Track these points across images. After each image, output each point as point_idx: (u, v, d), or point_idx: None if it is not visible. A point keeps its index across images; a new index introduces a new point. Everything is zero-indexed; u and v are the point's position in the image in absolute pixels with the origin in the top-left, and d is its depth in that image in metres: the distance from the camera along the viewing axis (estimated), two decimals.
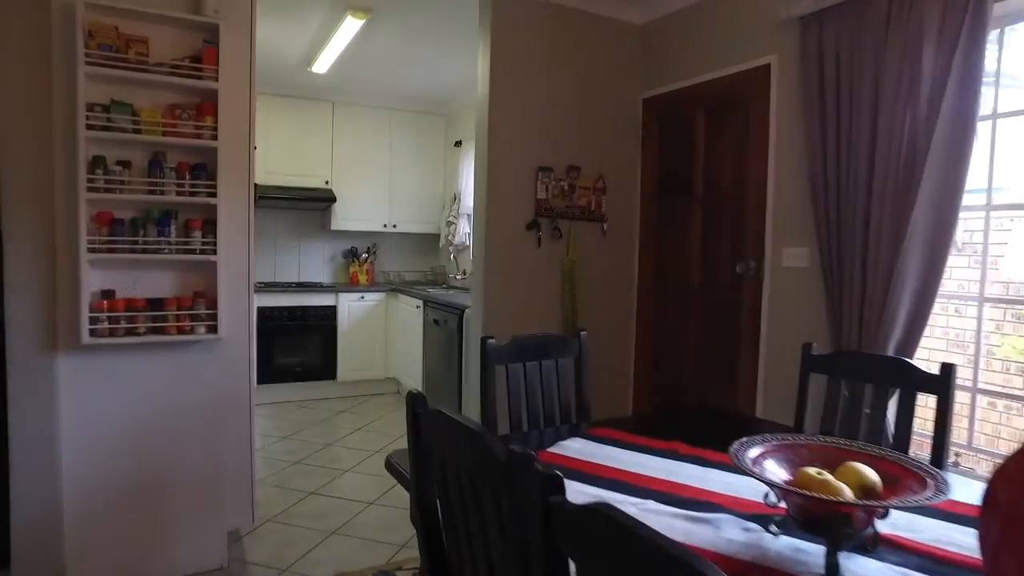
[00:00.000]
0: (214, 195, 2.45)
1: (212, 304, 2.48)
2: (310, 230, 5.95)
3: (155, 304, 2.40)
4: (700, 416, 2.37)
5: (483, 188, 3.26)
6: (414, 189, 6.01)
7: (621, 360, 3.70)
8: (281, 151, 5.44)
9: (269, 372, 5.23)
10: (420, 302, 5.05)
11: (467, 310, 4.09)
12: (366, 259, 6.04)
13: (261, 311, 5.15)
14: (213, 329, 2.48)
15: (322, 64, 4.78)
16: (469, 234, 5.71)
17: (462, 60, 4.71)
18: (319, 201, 5.49)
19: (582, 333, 2.25)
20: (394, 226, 5.93)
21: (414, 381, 5.23)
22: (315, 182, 5.57)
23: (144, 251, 2.36)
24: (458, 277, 5.73)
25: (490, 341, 1.99)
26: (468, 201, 5.59)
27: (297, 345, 5.33)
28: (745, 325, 3.04)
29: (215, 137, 2.42)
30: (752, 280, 3.00)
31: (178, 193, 2.40)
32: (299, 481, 3.61)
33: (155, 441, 2.49)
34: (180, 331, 2.43)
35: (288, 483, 3.59)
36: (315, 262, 5.99)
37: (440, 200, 6.14)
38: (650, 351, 3.62)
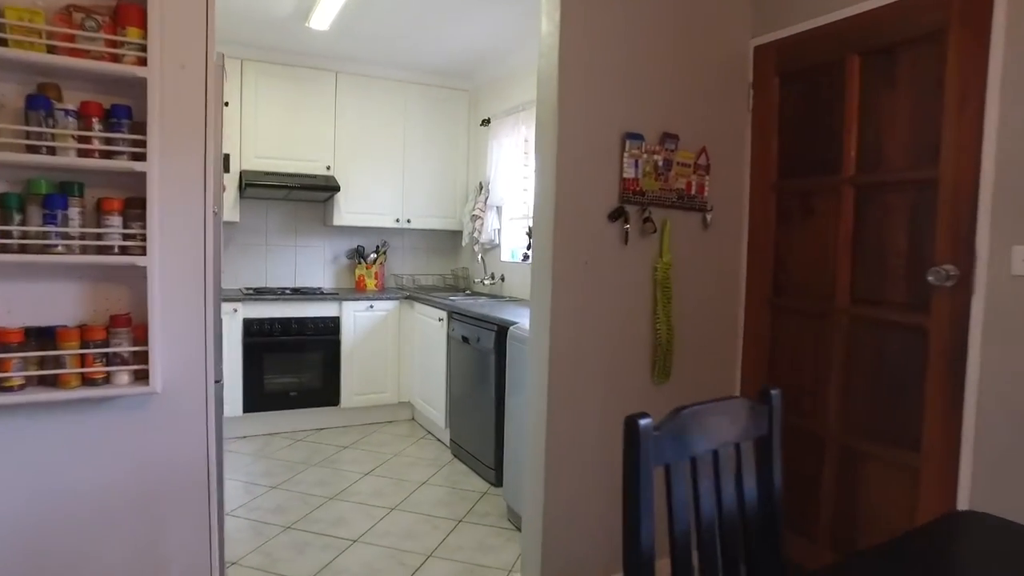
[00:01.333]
0: (143, 157, 1.50)
1: (141, 336, 1.53)
2: (308, 226, 5.00)
3: (41, 338, 1.45)
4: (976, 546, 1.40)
5: (549, 167, 2.31)
6: (432, 177, 5.06)
7: (724, 393, 2.74)
8: (273, 130, 4.49)
9: (257, 398, 4.28)
10: (443, 314, 4.09)
11: (511, 328, 3.13)
12: (375, 260, 5.08)
13: (248, 324, 4.20)
14: (143, 377, 1.53)
15: (322, 17, 3.83)
16: (499, 230, 4.76)
17: (494, 19, 3.75)
18: (319, 190, 4.53)
19: (772, 393, 1.30)
20: (408, 221, 4.98)
21: (435, 408, 4.27)
22: (315, 168, 4.62)
23: (21, 249, 1.41)
24: (486, 281, 4.77)
25: (643, 423, 1.03)
26: (498, 191, 4.63)
27: (292, 365, 4.38)
28: (936, 360, 2.08)
29: (143, 61, 1.47)
30: (951, 294, 2.04)
31: (81, 153, 1.45)
32: (290, 562, 2.66)
33: (53, 542, 1.55)
34: (87, 382, 1.48)
35: (276, 565, 2.63)
36: (314, 264, 5.04)
37: (463, 190, 5.18)
38: (761, 385, 2.66)
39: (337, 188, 4.55)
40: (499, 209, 4.80)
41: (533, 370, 2.38)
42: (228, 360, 4.15)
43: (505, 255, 4.80)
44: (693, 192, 2.57)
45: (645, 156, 2.43)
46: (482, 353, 3.56)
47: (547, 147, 2.33)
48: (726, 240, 2.72)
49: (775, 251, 2.68)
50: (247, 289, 4.63)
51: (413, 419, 4.83)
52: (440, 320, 4.12)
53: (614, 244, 2.39)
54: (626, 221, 2.39)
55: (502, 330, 3.32)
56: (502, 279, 4.74)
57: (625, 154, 2.38)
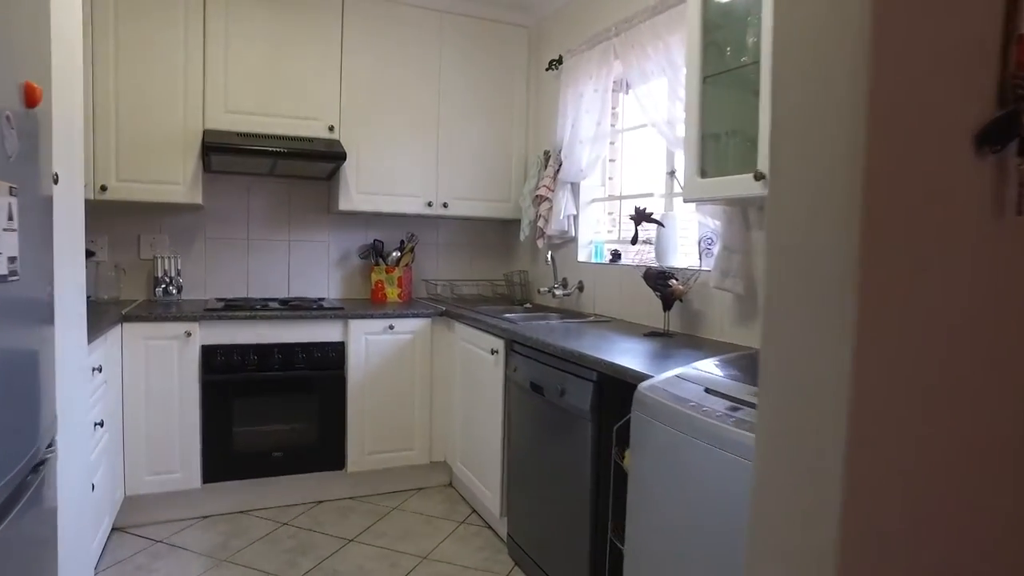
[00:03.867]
0: None
1: None
2: (306, 212, 3.62)
3: None
4: None
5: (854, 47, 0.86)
6: (478, 144, 3.64)
7: None
8: (252, 75, 3.12)
9: (224, 461, 2.91)
10: (497, 342, 2.67)
11: (643, 386, 1.66)
12: (398, 261, 3.68)
13: (208, 354, 2.83)
14: None
15: None
16: (574, 218, 3.31)
17: None
18: (319, 160, 3.15)
19: None
20: (444, 206, 3.56)
21: (485, 485, 2.85)
22: (312, 128, 3.24)
23: None
24: (556, 291, 3.32)
25: None
26: (575, 160, 3.18)
27: (275, 412, 3.00)
28: None
29: None
30: None
31: None
32: None
33: None
34: None
35: None
36: (315, 266, 3.67)
37: (520, 162, 3.75)
38: None
39: (342, 156, 3.15)
40: (574, 188, 3.35)
41: (652, 456, 0.92)
42: (177, 406, 2.79)
43: (583, 254, 3.35)
44: None
45: None
46: (568, 415, 2.11)
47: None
48: None
49: None
50: (217, 301, 3.27)
51: (451, 485, 3.41)
52: (494, 352, 2.69)
53: (986, 209, 0.91)
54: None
55: (607, 381, 1.87)
56: (579, 288, 3.28)
57: None
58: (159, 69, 2.96)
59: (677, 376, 1.61)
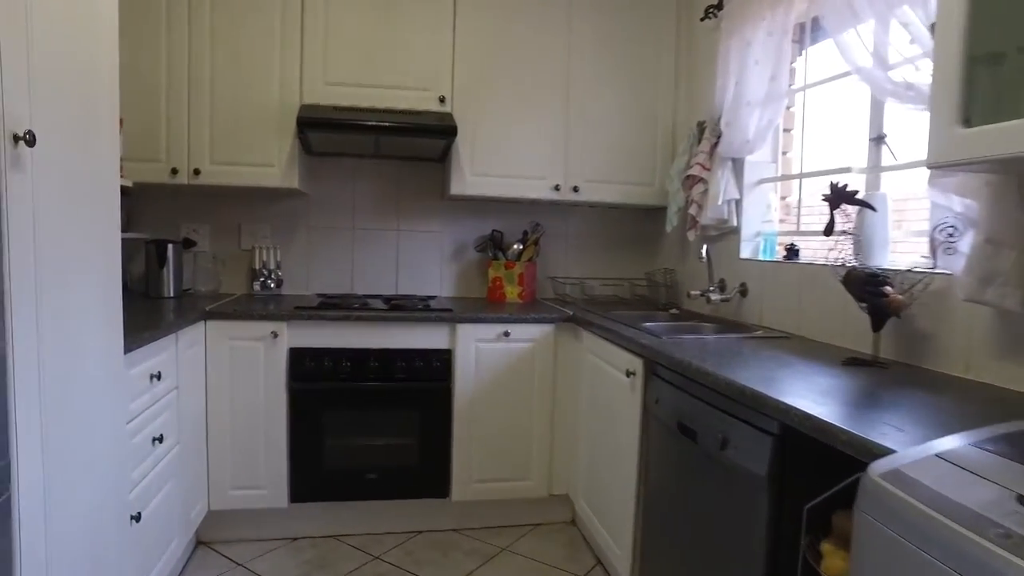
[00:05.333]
0: None
1: None
2: (417, 198, 3.21)
3: None
4: None
5: None
6: (615, 117, 3.02)
7: None
8: (355, 43, 2.73)
9: (313, 480, 2.55)
10: (635, 361, 2.06)
11: (877, 466, 0.99)
12: (520, 254, 3.17)
13: (297, 359, 2.49)
14: None
15: None
16: (736, 203, 2.61)
17: None
18: (425, 135, 2.69)
19: None
20: (575, 190, 2.99)
21: (613, 534, 2.26)
22: (421, 100, 2.80)
23: None
24: (712, 295, 2.63)
25: None
26: (740, 130, 2.47)
27: (371, 427, 2.60)
28: None
29: None
30: None
31: None
32: None
33: None
34: None
35: None
36: (427, 260, 3.24)
37: (667, 137, 3.08)
38: None
39: (452, 131, 2.68)
40: (737, 166, 2.64)
41: None
42: (262, 416, 2.47)
43: (747, 248, 2.64)
44: None
45: None
46: (733, 475, 1.47)
47: None
48: None
49: None
50: (317, 296, 2.94)
51: (573, 523, 2.84)
52: (630, 375, 2.08)
53: None
54: None
55: (795, 435, 1.21)
56: (741, 292, 2.57)
57: None
58: (255, 40, 2.65)
59: (940, 457, 0.93)
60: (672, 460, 1.81)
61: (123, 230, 2.80)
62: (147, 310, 2.35)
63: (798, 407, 1.23)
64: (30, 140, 1.15)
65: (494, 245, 3.18)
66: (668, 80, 3.06)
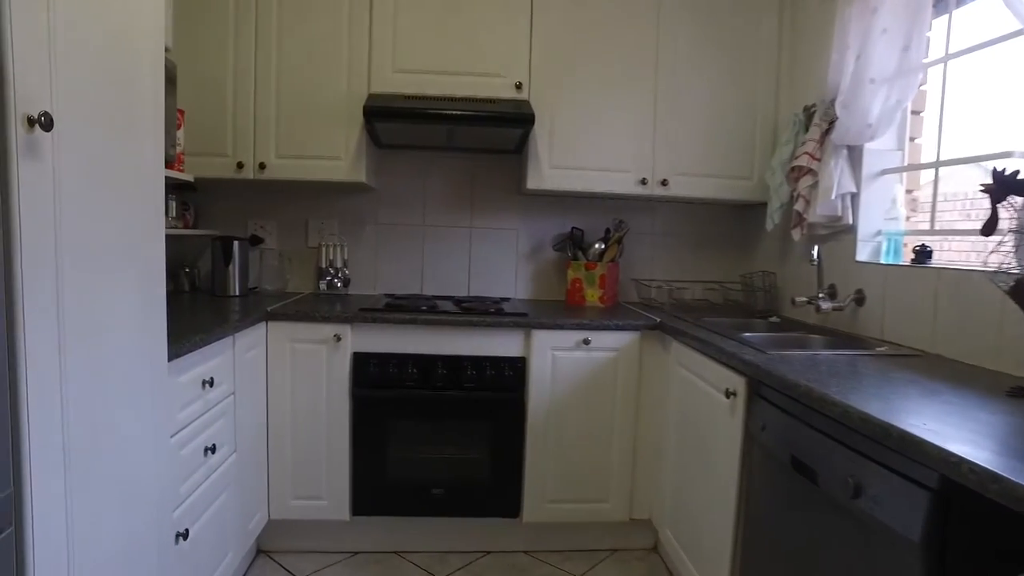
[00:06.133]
0: None
1: None
2: (491, 194, 3.01)
3: None
4: None
5: None
6: (709, 102, 2.72)
7: None
8: (426, 27, 2.56)
9: (375, 493, 2.40)
10: (735, 380, 1.77)
11: None
12: (602, 254, 2.91)
13: (360, 364, 2.34)
14: None
15: None
16: (852, 197, 2.27)
17: None
18: (499, 124, 2.48)
19: None
20: (663, 184, 2.71)
21: (705, 551, 1.98)
22: (495, 87, 2.59)
23: None
24: (820, 303, 2.28)
25: None
26: (866, 109, 2.13)
27: (437, 440, 2.42)
28: None
29: None
30: None
31: None
32: None
33: None
34: None
35: None
36: (501, 259, 3.04)
37: (768, 125, 2.75)
38: None
39: (529, 119, 2.45)
40: (853, 155, 2.30)
41: None
42: (324, 423, 2.34)
43: (864, 250, 2.29)
44: None
45: None
46: (870, 531, 1.18)
47: None
48: None
49: None
50: (385, 297, 2.79)
51: (655, 550, 2.57)
52: (729, 396, 1.79)
53: None
54: None
55: (960, 491, 0.91)
56: (857, 300, 2.23)
57: None
58: (322, 28, 2.52)
59: None
60: (781, 496, 1.52)
61: (191, 227, 2.76)
62: (209, 310, 2.25)
63: (975, 462, 0.93)
64: (46, 123, 1.01)
65: (574, 244, 2.94)
66: (770, 61, 2.72)
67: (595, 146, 2.66)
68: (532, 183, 2.66)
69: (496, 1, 2.57)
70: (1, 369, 0.95)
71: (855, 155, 2.30)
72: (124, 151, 1.29)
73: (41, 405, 1.03)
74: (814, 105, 2.45)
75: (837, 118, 2.25)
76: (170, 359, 1.50)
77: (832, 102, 2.29)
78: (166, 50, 1.94)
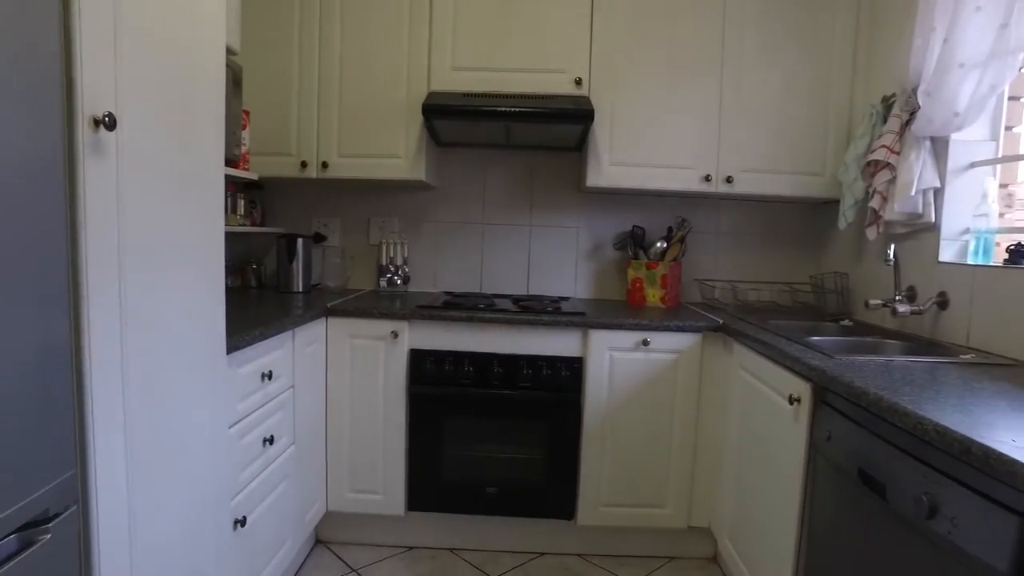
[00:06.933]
0: None
1: None
2: (551, 191, 2.98)
3: None
4: None
5: None
6: (778, 94, 2.60)
7: None
8: (485, 23, 2.55)
9: (430, 490, 2.41)
10: (801, 385, 1.68)
11: None
12: (663, 253, 2.84)
13: (417, 361, 2.35)
14: None
15: None
16: (935, 192, 2.13)
17: None
18: (557, 121, 2.45)
19: None
20: (728, 181, 2.61)
21: (766, 563, 1.89)
22: (556, 83, 2.56)
23: None
24: (898, 306, 2.14)
25: None
26: (953, 96, 1.98)
27: (492, 438, 2.41)
28: None
29: None
30: None
31: None
32: None
33: None
34: None
35: None
36: (560, 258, 3.01)
37: (842, 118, 2.61)
38: None
39: (588, 115, 2.41)
40: (937, 147, 2.14)
41: None
42: (381, 419, 2.37)
43: (949, 250, 2.13)
44: None
45: None
46: (947, 556, 1.09)
47: None
48: None
49: None
50: (445, 294, 2.81)
51: (715, 560, 2.48)
52: (793, 402, 1.70)
53: None
54: None
55: None
56: (940, 304, 2.08)
57: None
58: (384, 28, 2.55)
59: None
60: (848, 514, 1.43)
61: (258, 225, 2.85)
62: (272, 305, 2.32)
63: None
64: (110, 123, 1.05)
65: (634, 243, 2.87)
66: (845, 47, 2.58)
67: (656, 142, 2.59)
68: (592, 180, 2.61)
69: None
70: (66, 358, 0.99)
71: (939, 147, 2.14)
72: (185, 150, 1.33)
73: (104, 392, 1.07)
74: (893, 95, 2.30)
75: (919, 107, 2.10)
76: (229, 352, 1.55)
77: (914, 91, 2.15)
78: (233, 53, 2.01)
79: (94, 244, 1.04)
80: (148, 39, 1.18)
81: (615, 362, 2.36)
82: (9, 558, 0.82)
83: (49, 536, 0.88)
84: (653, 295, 2.81)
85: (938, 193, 2.14)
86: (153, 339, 1.22)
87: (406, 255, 2.89)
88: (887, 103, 2.34)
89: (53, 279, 0.95)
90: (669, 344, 2.36)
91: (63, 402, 0.98)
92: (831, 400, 1.53)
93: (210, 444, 1.45)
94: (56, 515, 0.92)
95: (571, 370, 2.37)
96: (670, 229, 2.90)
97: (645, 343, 2.35)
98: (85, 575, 1.01)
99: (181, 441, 1.33)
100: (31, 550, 0.85)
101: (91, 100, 1.02)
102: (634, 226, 2.89)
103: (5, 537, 0.82)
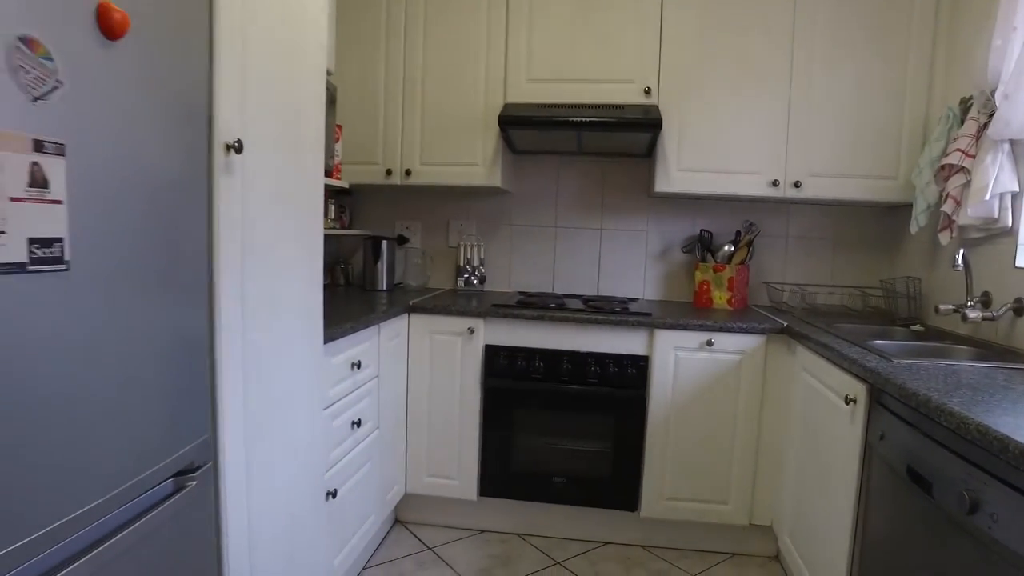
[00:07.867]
0: None
1: None
2: (621, 196, 3.08)
3: None
4: None
5: None
6: (850, 97, 2.61)
7: None
8: (557, 36, 2.69)
9: (501, 478, 2.58)
10: (857, 385, 1.74)
11: None
12: (730, 256, 2.89)
13: (491, 356, 2.52)
14: None
15: None
16: (1012, 196, 2.11)
17: None
18: (627, 130, 2.56)
19: None
20: (796, 185, 2.64)
21: (823, 562, 1.95)
22: (626, 93, 2.67)
23: None
24: (969, 312, 2.13)
25: None
26: None
27: (560, 431, 2.55)
28: None
29: None
30: None
31: None
32: None
33: None
34: None
35: None
36: (630, 260, 3.11)
37: (917, 123, 2.59)
38: None
39: (657, 124, 2.51)
40: (1017, 150, 2.12)
41: None
42: (457, 409, 2.55)
43: None
44: None
45: None
46: (991, 553, 1.15)
47: None
48: None
49: None
50: (519, 294, 2.97)
51: (777, 559, 2.53)
52: (849, 402, 1.76)
53: None
54: None
55: None
56: (1015, 310, 2.06)
57: None
58: (463, 44, 2.74)
59: None
60: (900, 513, 1.48)
61: (347, 228, 3.10)
62: (359, 302, 2.54)
63: None
64: (238, 148, 1.26)
65: (702, 246, 2.94)
66: (923, 48, 2.56)
67: (724, 148, 2.66)
68: (660, 186, 2.71)
69: (626, 8, 2.64)
70: (205, 344, 1.20)
71: (1019, 151, 2.12)
72: (293, 165, 1.54)
73: (229, 368, 1.28)
74: (971, 97, 2.28)
75: (996, 110, 2.09)
76: (325, 342, 1.75)
77: (992, 93, 2.13)
78: (328, 74, 2.24)
79: (225, 248, 1.25)
80: (267, 78, 1.39)
81: (680, 361, 2.45)
82: (167, 497, 1.04)
83: (195, 483, 1.09)
84: (720, 297, 2.87)
85: (1016, 197, 2.12)
86: (266, 328, 1.43)
87: (482, 256, 3.07)
88: (964, 105, 2.33)
89: (197, 278, 1.16)
90: (733, 345, 2.43)
91: (202, 379, 1.19)
92: (885, 401, 1.59)
93: (308, 422, 1.67)
94: (199, 467, 1.14)
95: (637, 368, 2.48)
96: (738, 233, 2.95)
97: (709, 343, 2.43)
98: (217, 514, 1.23)
99: (286, 417, 1.54)
100: (183, 492, 1.06)
101: (225, 130, 1.23)
102: (702, 230, 2.96)
103: (163, 481, 1.04)
